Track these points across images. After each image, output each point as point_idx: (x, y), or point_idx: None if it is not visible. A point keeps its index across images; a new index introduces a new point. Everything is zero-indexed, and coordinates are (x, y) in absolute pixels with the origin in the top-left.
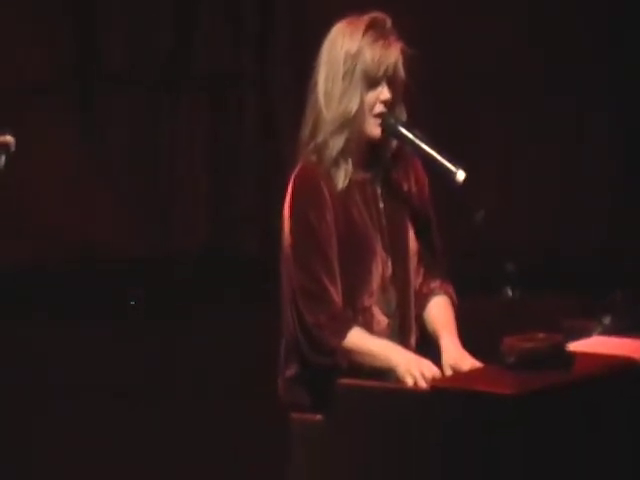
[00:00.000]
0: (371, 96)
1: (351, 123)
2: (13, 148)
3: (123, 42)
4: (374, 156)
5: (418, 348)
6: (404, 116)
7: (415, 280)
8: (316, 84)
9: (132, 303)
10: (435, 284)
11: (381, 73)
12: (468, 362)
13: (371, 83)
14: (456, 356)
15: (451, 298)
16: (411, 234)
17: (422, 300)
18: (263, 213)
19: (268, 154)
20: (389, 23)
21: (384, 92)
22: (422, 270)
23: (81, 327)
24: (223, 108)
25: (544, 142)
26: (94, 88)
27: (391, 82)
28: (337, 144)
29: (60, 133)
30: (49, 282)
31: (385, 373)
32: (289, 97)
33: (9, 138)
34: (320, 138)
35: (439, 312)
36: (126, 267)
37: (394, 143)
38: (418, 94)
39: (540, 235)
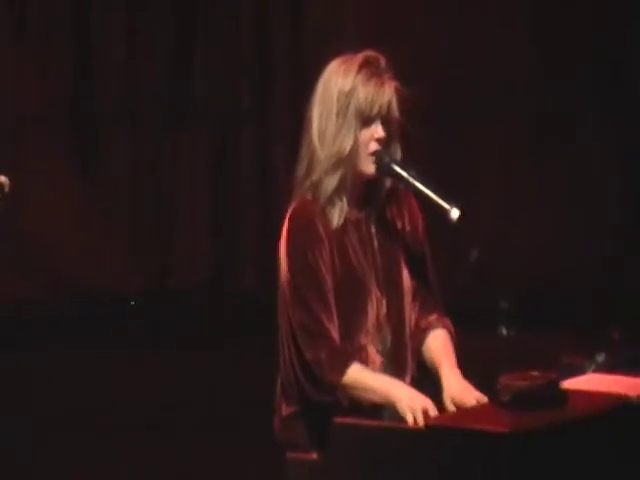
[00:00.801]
0: (365, 134)
1: (345, 161)
2: (7, 189)
3: (121, 77)
4: (369, 194)
5: (414, 386)
6: (399, 154)
7: (410, 317)
8: (310, 122)
9: (132, 303)
10: (432, 317)
11: (375, 112)
12: (470, 394)
13: (365, 121)
14: (458, 388)
15: (449, 331)
16: (405, 272)
17: (420, 334)
18: (262, 249)
19: (267, 190)
20: (383, 62)
21: (378, 130)
22: (417, 306)
23: (81, 360)
24: (222, 144)
25: (541, 175)
26: (93, 123)
27: (385, 121)
28: (332, 182)
29: (58, 167)
30: (49, 318)
31: (384, 408)
32: (287, 133)
33: (3, 179)
34: (315, 176)
35: (437, 345)
36: (125, 301)
37: (388, 181)
38: (413, 126)
39: (535, 270)
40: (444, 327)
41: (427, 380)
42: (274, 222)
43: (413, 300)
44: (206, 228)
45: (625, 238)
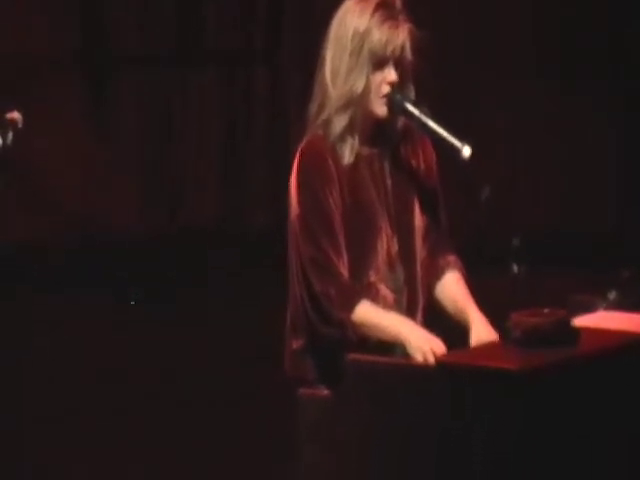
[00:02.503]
0: (377, 77)
1: (356, 102)
2: (20, 125)
3: (132, 18)
4: (381, 133)
5: (425, 321)
6: (412, 95)
7: (420, 254)
8: (323, 60)
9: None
10: (450, 258)
11: (388, 54)
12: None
13: (378, 63)
14: (487, 334)
15: (463, 273)
16: (417, 211)
17: (436, 272)
18: (272, 187)
19: (277, 129)
20: (399, 3)
21: (391, 73)
22: (430, 243)
23: (91, 300)
24: (232, 84)
25: (551, 119)
26: (104, 64)
27: (398, 63)
28: (342, 121)
29: (69, 108)
30: (56, 258)
31: (392, 346)
32: (298, 72)
33: (16, 115)
34: (326, 114)
35: (460, 287)
36: (136, 241)
37: (401, 120)
38: (426, 67)
39: (548, 211)
40: (460, 269)
41: (438, 318)
42: (285, 161)
43: (425, 238)
44: (217, 168)
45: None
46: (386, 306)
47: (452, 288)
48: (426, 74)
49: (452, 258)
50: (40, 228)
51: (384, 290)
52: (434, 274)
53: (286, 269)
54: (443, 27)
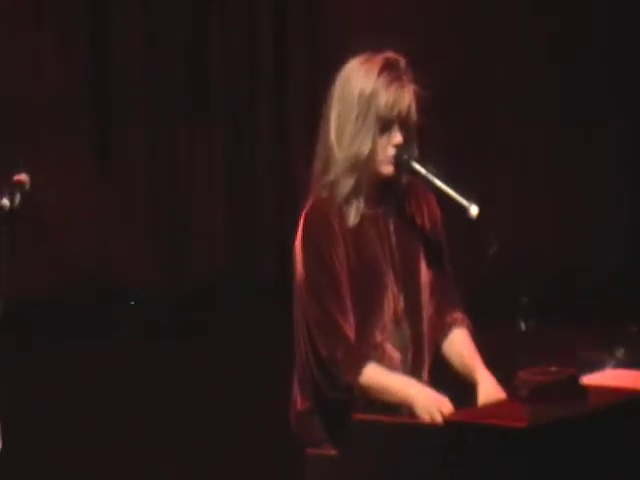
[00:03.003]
0: (384, 139)
1: (363, 164)
2: (28, 186)
3: (140, 72)
4: (386, 191)
5: (431, 379)
6: (416, 153)
7: (427, 311)
8: (328, 120)
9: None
10: (457, 315)
11: (394, 116)
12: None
13: (384, 126)
14: (494, 393)
15: (471, 330)
16: (423, 268)
17: (444, 329)
18: (279, 239)
19: (283, 183)
20: (403, 64)
21: (397, 136)
22: (437, 300)
23: (99, 351)
24: (239, 137)
25: (561, 169)
26: (110, 109)
27: (404, 124)
28: (348, 183)
29: (77, 163)
30: (66, 312)
31: (399, 406)
32: (304, 117)
33: (24, 177)
34: (331, 176)
35: (467, 345)
36: (144, 290)
37: (405, 177)
38: (430, 125)
39: (555, 265)
40: (468, 327)
41: (445, 375)
42: (291, 212)
43: (432, 295)
44: (223, 217)
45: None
46: (392, 366)
47: (459, 345)
48: (431, 129)
49: (459, 315)
50: (46, 281)
51: (390, 349)
52: (441, 331)
53: (292, 321)
54: (444, 74)
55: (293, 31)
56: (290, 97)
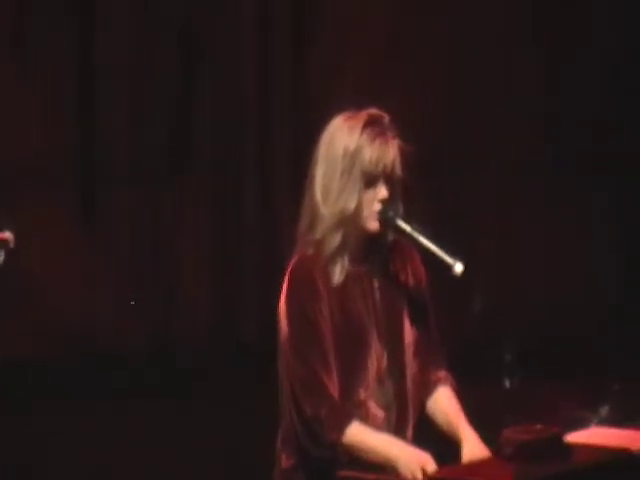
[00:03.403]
0: (369, 194)
1: (349, 221)
2: (12, 245)
3: (123, 136)
4: (371, 248)
5: (415, 438)
6: (401, 210)
7: (410, 370)
8: (313, 178)
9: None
10: (442, 374)
11: (379, 171)
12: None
13: (369, 181)
14: (479, 451)
15: (455, 388)
16: (407, 326)
17: (428, 388)
18: (263, 299)
19: (269, 238)
20: (386, 120)
21: (382, 191)
22: (421, 358)
23: (83, 413)
24: (223, 196)
25: (545, 225)
26: (93, 173)
27: (388, 179)
28: (335, 240)
29: (61, 225)
30: (51, 372)
31: (384, 466)
32: (289, 181)
33: (8, 235)
34: (318, 234)
35: (451, 403)
36: (127, 352)
37: (391, 235)
38: (414, 181)
39: (539, 323)
40: (452, 385)
41: (429, 433)
42: (276, 273)
43: (416, 353)
44: (207, 279)
45: (626, 289)
46: (376, 424)
47: (444, 404)
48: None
49: (443, 373)
50: (27, 342)
51: (374, 408)
52: (426, 389)
53: (276, 379)
54: (426, 133)
55: (279, 96)
56: (276, 161)
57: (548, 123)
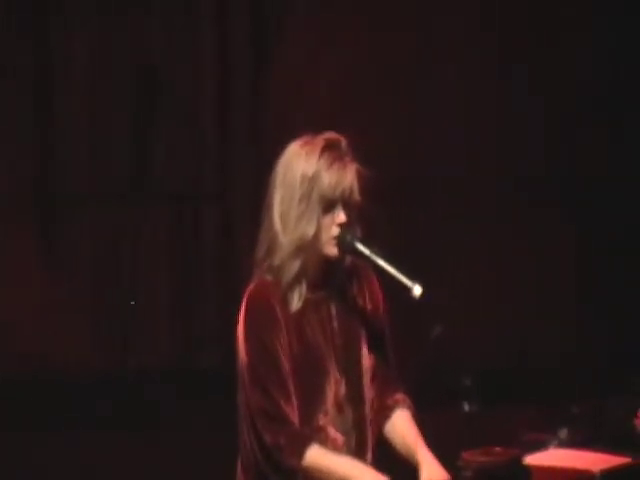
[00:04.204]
0: (327, 219)
1: (308, 246)
2: None
3: (83, 159)
4: (329, 274)
5: (374, 463)
6: (359, 233)
7: (368, 395)
8: (271, 205)
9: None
10: (399, 397)
11: (338, 196)
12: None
13: (327, 206)
14: (437, 474)
15: (413, 413)
16: (364, 351)
17: (385, 412)
18: (223, 328)
19: (228, 268)
20: (344, 144)
21: (340, 215)
22: (378, 382)
23: (41, 439)
24: (182, 225)
25: (505, 252)
26: (54, 203)
27: (347, 203)
28: (294, 267)
29: (19, 249)
30: (5, 397)
31: None
32: (248, 213)
33: None
34: (277, 261)
35: (408, 426)
36: (86, 382)
37: (348, 259)
38: (373, 205)
39: (497, 348)
40: (409, 407)
41: (385, 457)
42: (235, 304)
43: (373, 377)
44: (167, 308)
45: (585, 316)
46: (336, 448)
47: (401, 427)
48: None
49: (400, 396)
50: None
51: (333, 433)
52: (383, 413)
53: (235, 408)
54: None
55: (236, 128)
56: (236, 188)
57: (508, 147)
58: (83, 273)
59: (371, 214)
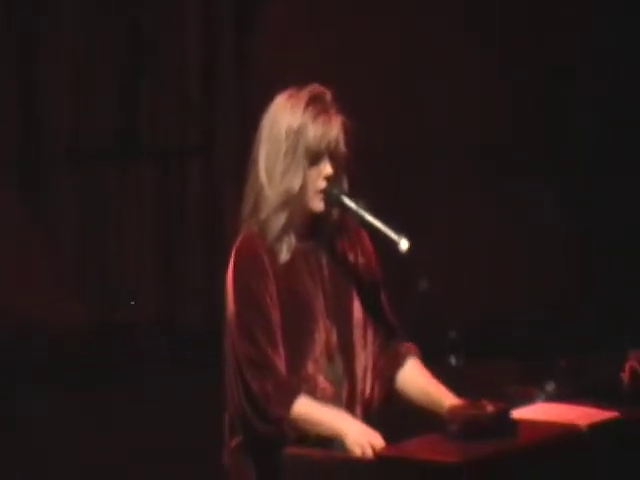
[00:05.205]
0: (314, 172)
1: (294, 200)
2: None
3: (67, 115)
4: (317, 226)
5: (365, 415)
6: (346, 187)
7: (359, 348)
8: (257, 160)
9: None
10: (409, 345)
11: (323, 148)
12: None
13: (313, 159)
14: None
15: (422, 360)
16: (356, 304)
17: (398, 359)
18: (209, 285)
19: (212, 225)
20: (329, 96)
21: (327, 168)
22: (382, 333)
23: (23, 394)
24: (168, 180)
25: (495, 207)
26: (38, 158)
27: (333, 156)
28: (280, 220)
29: (4, 202)
30: None
31: (332, 441)
32: (234, 170)
33: None
34: (263, 215)
35: (425, 375)
36: (70, 339)
37: (336, 212)
38: (372, 161)
39: (484, 302)
40: (419, 355)
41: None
42: (220, 259)
43: (376, 330)
44: (152, 263)
45: (572, 269)
46: (325, 399)
47: (418, 376)
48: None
49: (409, 344)
50: None
51: (323, 382)
52: (395, 361)
53: (220, 367)
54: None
55: (222, 82)
56: (220, 145)
57: (499, 110)
58: (69, 227)
59: (357, 173)
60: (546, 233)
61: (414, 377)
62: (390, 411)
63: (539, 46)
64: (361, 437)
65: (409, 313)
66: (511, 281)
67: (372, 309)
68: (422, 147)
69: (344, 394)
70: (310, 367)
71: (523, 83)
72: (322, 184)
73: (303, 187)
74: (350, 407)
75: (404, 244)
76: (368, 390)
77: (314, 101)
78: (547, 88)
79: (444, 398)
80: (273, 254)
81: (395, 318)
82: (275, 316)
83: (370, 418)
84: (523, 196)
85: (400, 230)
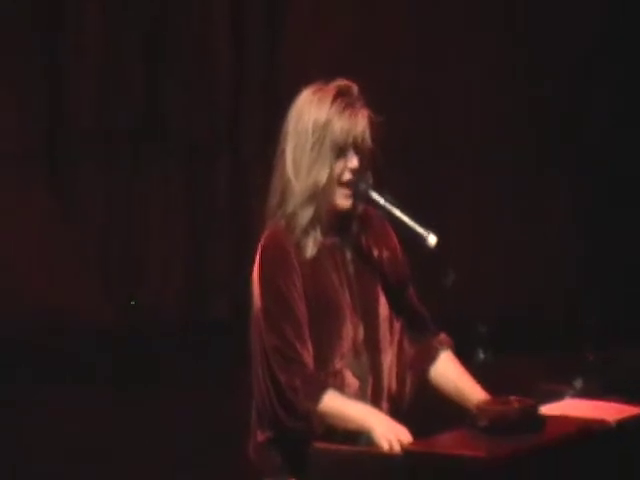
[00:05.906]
0: (339, 165)
1: (320, 194)
2: None
3: (95, 107)
4: (343, 221)
5: (391, 411)
6: (371, 180)
7: (385, 343)
8: (283, 153)
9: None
10: (441, 337)
11: (349, 142)
12: None
13: (339, 152)
14: None
15: (455, 352)
16: (382, 300)
17: (430, 352)
18: (235, 279)
19: (240, 219)
20: (355, 90)
21: (352, 161)
22: (415, 326)
23: (50, 392)
24: (195, 174)
25: (520, 204)
26: (67, 156)
27: (358, 150)
28: (307, 214)
29: (30, 198)
30: (17, 350)
31: (359, 435)
32: (261, 162)
33: None
34: (289, 208)
35: (459, 369)
36: (96, 332)
37: (360, 208)
38: (395, 158)
39: (513, 297)
40: (452, 348)
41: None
42: (247, 253)
43: (405, 324)
44: (179, 259)
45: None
46: (351, 393)
47: (452, 370)
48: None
49: (442, 336)
50: (6, 320)
51: (349, 377)
52: (428, 354)
53: (246, 359)
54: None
55: (252, 74)
56: (247, 138)
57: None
58: (96, 222)
59: (382, 161)
60: (562, 231)
61: (447, 371)
62: (418, 407)
63: (558, 44)
64: (389, 432)
65: (437, 309)
66: (538, 275)
67: (399, 304)
68: (444, 141)
69: (369, 390)
70: (338, 363)
71: (541, 80)
72: (347, 176)
73: (329, 181)
74: (376, 403)
75: (432, 239)
76: (394, 386)
77: (341, 95)
78: (564, 85)
79: (474, 393)
80: (299, 249)
81: (425, 311)
82: (302, 311)
83: (400, 413)
84: (539, 192)
85: (427, 225)
